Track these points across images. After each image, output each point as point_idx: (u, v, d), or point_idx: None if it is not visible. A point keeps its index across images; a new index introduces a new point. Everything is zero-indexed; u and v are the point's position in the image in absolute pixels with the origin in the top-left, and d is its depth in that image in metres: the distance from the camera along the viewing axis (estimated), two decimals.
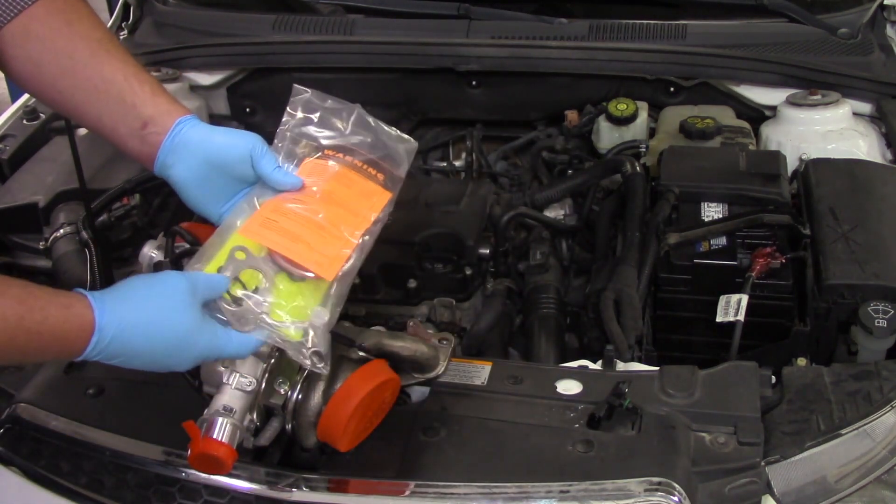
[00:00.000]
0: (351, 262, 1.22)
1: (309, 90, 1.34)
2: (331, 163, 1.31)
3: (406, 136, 1.36)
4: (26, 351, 1.01)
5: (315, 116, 1.33)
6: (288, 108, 1.34)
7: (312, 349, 1.13)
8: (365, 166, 1.32)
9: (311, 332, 1.14)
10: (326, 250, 1.20)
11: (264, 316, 1.13)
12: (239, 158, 1.25)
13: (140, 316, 1.07)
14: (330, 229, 1.23)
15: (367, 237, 1.26)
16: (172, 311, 1.08)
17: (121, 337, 1.05)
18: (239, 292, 1.13)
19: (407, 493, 1.22)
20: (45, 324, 1.01)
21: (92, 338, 1.03)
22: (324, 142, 1.32)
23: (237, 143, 1.25)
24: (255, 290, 1.14)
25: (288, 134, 1.32)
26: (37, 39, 1.25)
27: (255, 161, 1.25)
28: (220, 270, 1.15)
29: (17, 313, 0.99)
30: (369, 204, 1.29)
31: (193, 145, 1.24)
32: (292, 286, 1.17)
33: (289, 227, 1.21)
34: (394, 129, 1.35)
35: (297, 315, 1.15)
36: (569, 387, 1.36)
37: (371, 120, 1.34)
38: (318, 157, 1.32)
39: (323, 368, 1.15)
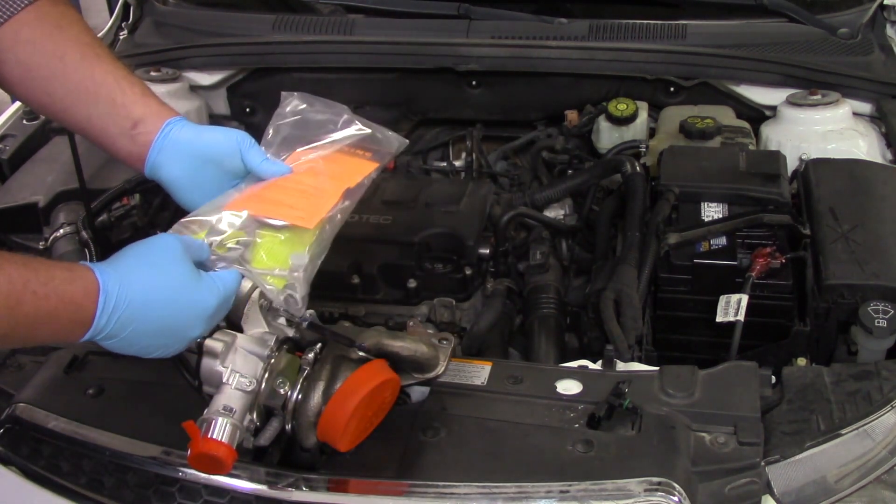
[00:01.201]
0: (331, 213, 1.27)
1: (296, 93, 1.40)
2: (318, 151, 1.36)
3: (396, 134, 1.42)
4: (37, 318, 1.01)
5: (304, 114, 1.38)
6: (277, 110, 1.39)
7: (287, 293, 1.17)
8: (352, 149, 1.38)
9: (291, 277, 1.18)
10: (307, 206, 1.25)
11: (247, 264, 1.18)
12: (229, 153, 1.29)
13: (140, 270, 1.09)
14: (312, 192, 1.28)
15: (349, 197, 1.30)
16: (170, 263, 1.11)
17: (127, 295, 1.06)
18: (222, 250, 1.19)
19: (407, 493, 1.22)
20: (50, 285, 1.01)
21: (99, 298, 1.04)
22: (312, 135, 1.37)
23: (226, 138, 1.30)
24: (238, 244, 1.20)
25: (277, 129, 1.37)
26: (27, 43, 1.27)
27: (244, 153, 1.29)
28: (207, 237, 1.20)
29: (22, 276, 1.00)
30: (354, 173, 1.34)
31: (183, 143, 1.28)
32: (274, 238, 1.22)
33: (272, 197, 1.26)
34: (383, 128, 1.41)
35: (277, 261, 1.20)
36: (569, 387, 1.36)
37: (359, 119, 1.39)
38: (306, 148, 1.37)
39: (298, 310, 1.19)
